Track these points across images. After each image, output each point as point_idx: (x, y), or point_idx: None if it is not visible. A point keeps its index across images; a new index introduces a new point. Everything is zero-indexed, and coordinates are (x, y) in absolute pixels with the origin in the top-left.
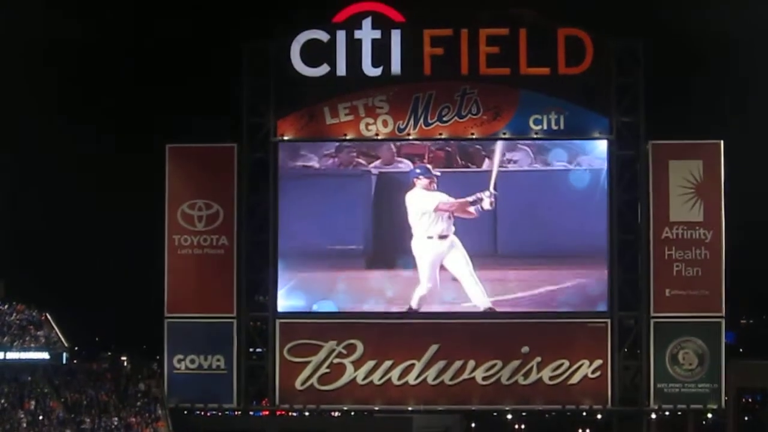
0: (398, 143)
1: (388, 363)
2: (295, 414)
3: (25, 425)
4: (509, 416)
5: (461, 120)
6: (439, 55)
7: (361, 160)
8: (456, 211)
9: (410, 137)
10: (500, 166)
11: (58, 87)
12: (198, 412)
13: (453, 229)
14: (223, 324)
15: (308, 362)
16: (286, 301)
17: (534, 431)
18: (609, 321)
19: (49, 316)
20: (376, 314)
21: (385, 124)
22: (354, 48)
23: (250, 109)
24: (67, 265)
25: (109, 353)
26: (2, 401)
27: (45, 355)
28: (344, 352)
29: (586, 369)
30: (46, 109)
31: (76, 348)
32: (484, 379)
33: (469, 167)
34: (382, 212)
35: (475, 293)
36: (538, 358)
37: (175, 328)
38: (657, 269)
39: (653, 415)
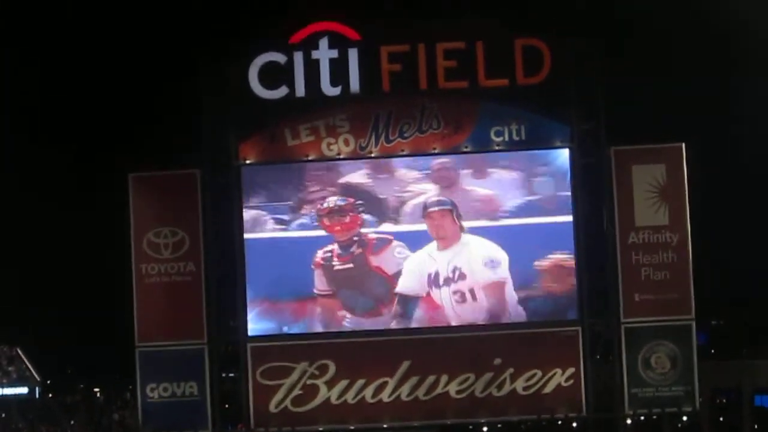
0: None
1: (361, 381)
2: None
3: None
4: (485, 429)
5: (422, 135)
6: (397, 71)
7: None
8: None
9: (372, 155)
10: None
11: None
12: None
13: None
14: (194, 350)
15: (281, 384)
16: (256, 324)
17: None
18: (580, 329)
19: (19, 351)
20: (346, 333)
21: (346, 143)
22: (312, 68)
23: (211, 134)
24: (35, 298)
25: (82, 385)
26: None
27: (23, 390)
28: (316, 372)
29: (559, 378)
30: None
31: (49, 382)
32: (458, 392)
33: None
34: None
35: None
36: (511, 369)
37: (147, 356)
38: (625, 274)
39: (628, 421)
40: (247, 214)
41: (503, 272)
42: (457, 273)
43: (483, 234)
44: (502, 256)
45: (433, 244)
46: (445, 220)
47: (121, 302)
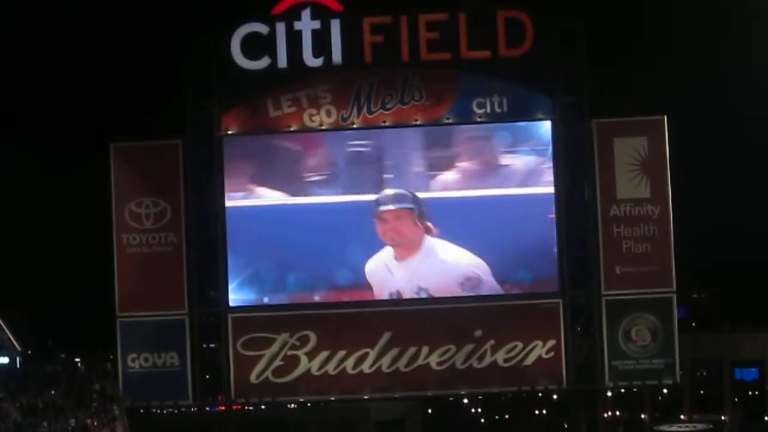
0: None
1: (342, 353)
2: (251, 408)
3: None
4: (465, 400)
5: (404, 107)
6: (379, 42)
7: None
8: None
9: (354, 126)
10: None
11: None
12: (154, 410)
13: None
14: (175, 321)
15: (262, 355)
16: (237, 295)
17: (491, 414)
18: (561, 301)
19: (0, 321)
20: (327, 305)
21: (328, 114)
22: (294, 39)
23: (194, 105)
24: (15, 267)
25: (63, 355)
26: None
27: (4, 360)
28: (297, 343)
29: (540, 350)
30: None
31: (29, 351)
32: (438, 364)
33: None
34: None
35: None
36: (492, 341)
37: (127, 326)
38: (606, 247)
39: (609, 393)
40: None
41: (485, 288)
42: (423, 294)
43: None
44: (481, 269)
45: (389, 251)
46: (403, 223)
47: (102, 272)
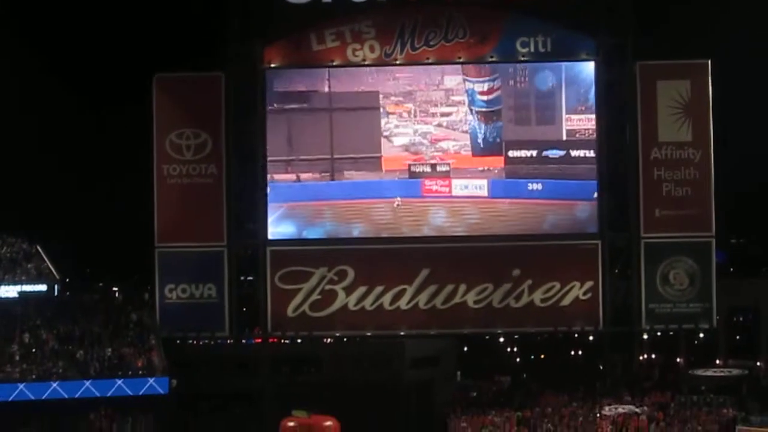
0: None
1: (379, 288)
2: (287, 341)
3: (17, 358)
4: (501, 340)
5: (448, 44)
6: None
7: None
8: None
9: (397, 62)
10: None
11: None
12: (190, 342)
13: None
14: (213, 252)
15: (299, 289)
16: (275, 228)
17: (526, 354)
18: (599, 242)
19: (39, 249)
20: (366, 240)
21: (372, 49)
22: None
23: (237, 38)
24: (56, 196)
25: (101, 284)
26: None
27: (42, 287)
28: (335, 278)
29: (577, 291)
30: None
31: (68, 280)
32: (475, 302)
33: None
34: None
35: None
36: (529, 281)
37: (166, 257)
38: (646, 190)
39: (645, 336)
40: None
41: None
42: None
43: None
44: None
45: None
46: None
47: (141, 202)
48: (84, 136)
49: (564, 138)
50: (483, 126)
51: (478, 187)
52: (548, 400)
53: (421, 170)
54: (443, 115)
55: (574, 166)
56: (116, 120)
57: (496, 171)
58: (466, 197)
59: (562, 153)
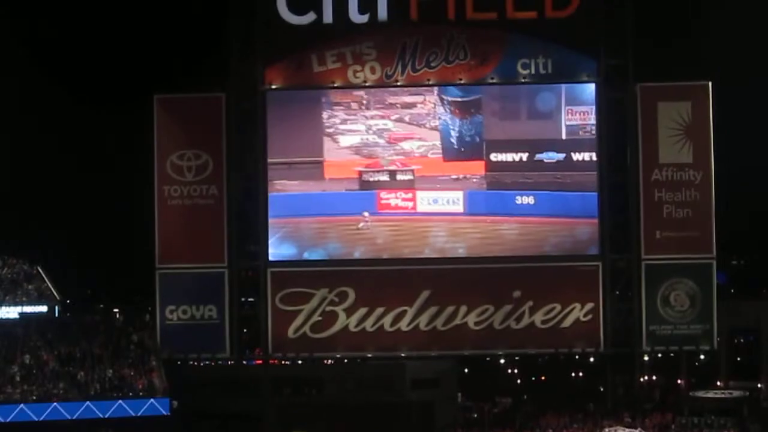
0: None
1: (380, 310)
2: (288, 362)
3: (18, 379)
4: (502, 361)
5: (449, 65)
6: (425, 0)
7: None
8: None
9: (398, 83)
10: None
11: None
12: (191, 363)
13: None
14: (214, 274)
15: (300, 310)
16: (276, 249)
17: (527, 375)
18: (600, 264)
19: (40, 270)
20: (367, 261)
21: (372, 70)
22: None
23: (238, 59)
24: (57, 219)
25: (102, 306)
26: None
27: (43, 308)
28: (336, 299)
29: (578, 312)
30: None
31: (68, 301)
32: (476, 324)
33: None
34: None
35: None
36: (530, 302)
37: (167, 278)
38: (647, 211)
39: (645, 357)
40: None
41: None
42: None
43: None
44: None
45: None
46: None
47: (142, 224)
48: (85, 158)
49: (564, 136)
50: (458, 121)
51: (452, 201)
52: (549, 422)
53: (376, 179)
54: (405, 106)
55: (575, 174)
56: (117, 140)
57: (475, 180)
58: (436, 214)
59: (560, 157)
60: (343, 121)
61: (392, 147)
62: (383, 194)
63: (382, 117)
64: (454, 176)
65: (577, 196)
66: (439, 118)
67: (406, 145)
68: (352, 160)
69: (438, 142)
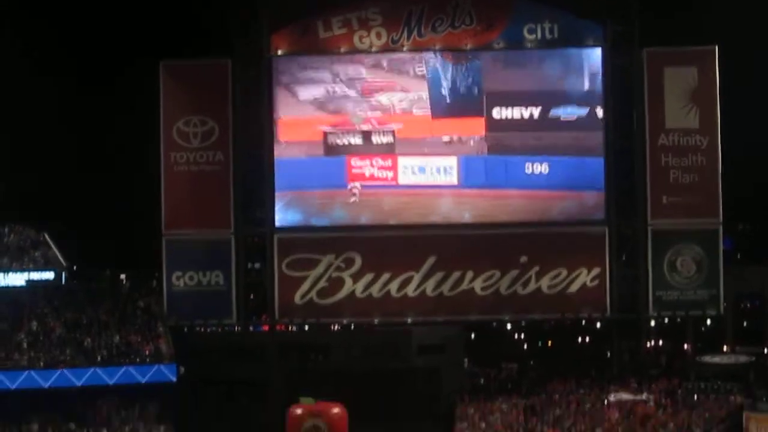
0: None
1: (386, 275)
2: (294, 329)
3: (25, 346)
4: (509, 327)
5: (455, 31)
6: None
7: None
8: None
9: (404, 49)
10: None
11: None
12: (198, 329)
13: None
14: (220, 240)
15: (307, 276)
16: (283, 215)
17: (533, 341)
18: (607, 229)
19: (47, 236)
20: (373, 227)
21: (378, 36)
22: None
23: (243, 24)
24: (64, 185)
25: (108, 272)
26: (1, 323)
27: (49, 275)
28: (342, 265)
29: (584, 277)
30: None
31: (75, 268)
32: (482, 289)
33: None
34: None
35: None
36: (537, 268)
37: (173, 245)
38: (653, 176)
39: (652, 323)
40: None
41: None
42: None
43: None
44: None
45: None
46: None
47: (148, 190)
48: (91, 124)
49: (586, 87)
50: (451, 68)
51: (443, 170)
52: (555, 387)
53: (345, 143)
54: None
55: (596, 134)
56: (123, 107)
57: (472, 143)
58: (423, 187)
59: (582, 112)
60: (303, 67)
61: (366, 101)
62: (354, 161)
63: (353, 62)
64: (445, 138)
65: (595, 162)
66: (427, 64)
67: (384, 99)
68: (314, 117)
69: (425, 94)
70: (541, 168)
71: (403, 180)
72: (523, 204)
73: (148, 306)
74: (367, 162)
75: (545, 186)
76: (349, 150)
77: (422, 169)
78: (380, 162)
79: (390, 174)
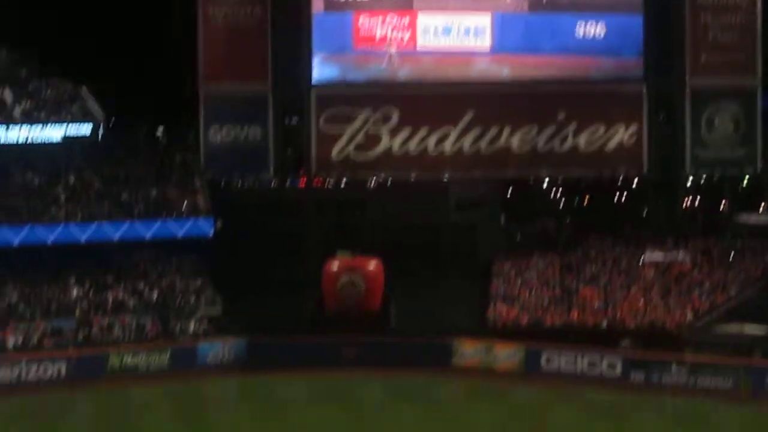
0: None
1: (423, 131)
2: (331, 185)
3: (63, 200)
4: (546, 183)
5: None
6: None
7: None
8: None
9: None
10: None
11: None
12: (235, 184)
13: None
14: (258, 94)
15: (344, 131)
16: (320, 70)
17: (570, 198)
18: (644, 86)
19: (85, 89)
20: (410, 83)
21: None
22: None
23: None
24: (101, 38)
25: (145, 125)
26: (39, 178)
27: (87, 129)
28: (380, 120)
29: (622, 134)
30: None
31: (112, 122)
32: (519, 146)
33: None
34: None
35: None
36: (574, 124)
37: (211, 99)
38: (692, 34)
39: (689, 182)
40: None
41: None
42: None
43: None
44: None
45: None
46: None
47: (187, 43)
48: None
49: None
50: None
51: (473, 30)
52: (591, 244)
53: None
54: None
55: None
56: None
57: None
58: (446, 53)
59: None
60: None
61: None
62: (363, 19)
63: None
64: None
65: (637, 21)
66: None
67: None
68: None
69: None
70: (596, 29)
71: (422, 43)
72: (563, 64)
73: (185, 160)
74: (378, 19)
75: (600, 53)
76: (356, 6)
77: (447, 30)
78: (396, 20)
79: (407, 35)
